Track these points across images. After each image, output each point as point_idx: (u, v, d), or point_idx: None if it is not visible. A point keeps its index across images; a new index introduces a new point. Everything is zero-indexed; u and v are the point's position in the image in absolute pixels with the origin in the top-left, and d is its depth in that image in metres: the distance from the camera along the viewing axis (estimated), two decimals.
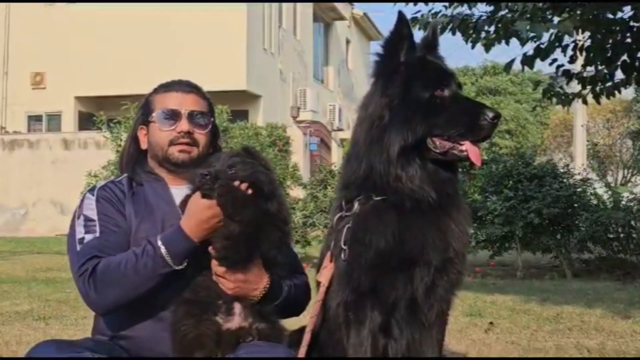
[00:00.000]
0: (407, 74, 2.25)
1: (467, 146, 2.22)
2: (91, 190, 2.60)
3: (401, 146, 2.18)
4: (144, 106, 2.69)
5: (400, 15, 2.28)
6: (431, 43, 2.38)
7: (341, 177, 2.45)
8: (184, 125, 2.58)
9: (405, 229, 2.23)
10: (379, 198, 2.25)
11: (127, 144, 2.74)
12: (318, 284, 2.42)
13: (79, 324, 5.74)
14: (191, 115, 2.60)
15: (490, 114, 2.21)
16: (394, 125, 2.20)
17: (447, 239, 2.28)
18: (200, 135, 2.62)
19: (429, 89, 2.24)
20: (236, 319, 2.34)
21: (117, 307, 2.40)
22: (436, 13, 7.18)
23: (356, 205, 2.29)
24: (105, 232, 2.46)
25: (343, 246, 2.28)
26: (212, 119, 2.70)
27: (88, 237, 2.45)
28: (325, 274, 2.37)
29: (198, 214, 2.31)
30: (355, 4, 29.23)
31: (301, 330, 2.45)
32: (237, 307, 2.36)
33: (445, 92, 2.25)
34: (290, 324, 2.60)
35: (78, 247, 2.44)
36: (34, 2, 20.99)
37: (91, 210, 2.51)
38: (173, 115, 2.59)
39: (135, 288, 2.35)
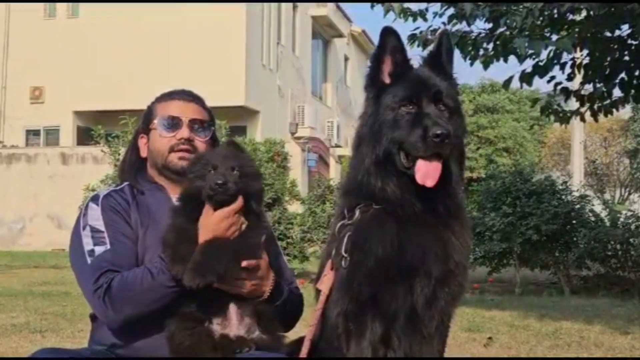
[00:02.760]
0: (379, 88, 2.29)
1: (418, 164, 2.16)
2: (95, 200, 2.55)
3: (372, 160, 2.22)
4: (145, 114, 2.70)
5: (384, 29, 2.30)
6: (434, 52, 2.38)
7: (343, 184, 2.46)
8: (184, 132, 2.59)
9: (405, 238, 2.22)
10: (379, 206, 2.25)
11: (128, 152, 2.74)
12: (318, 292, 2.40)
13: (75, 336, 5.72)
14: (192, 123, 2.62)
15: (436, 131, 2.12)
16: (366, 138, 2.26)
17: (447, 251, 2.26)
18: (200, 143, 2.62)
19: (397, 104, 2.24)
20: (233, 324, 2.33)
21: (132, 322, 2.38)
22: (435, 30, 7.21)
23: (357, 213, 2.29)
24: (116, 244, 2.44)
25: (344, 254, 2.27)
26: (213, 129, 2.71)
27: (98, 249, 2.42)
28: (326, 282, 2.35)
29: (216, 227, 2.29)
30: (355, 20, 29.41)
31: (300, 340, 2.44)
32: (233, 310, 2.34)
33: (411, 108, 2.22)
34: (290, 334, 2.59)
35: (89, 260, 2.41)
36: (35, 2, 21.07)
37: (97, 221, 2.48)
38: (174, 122, 2.60)
39: (151, 304, 2.34)
